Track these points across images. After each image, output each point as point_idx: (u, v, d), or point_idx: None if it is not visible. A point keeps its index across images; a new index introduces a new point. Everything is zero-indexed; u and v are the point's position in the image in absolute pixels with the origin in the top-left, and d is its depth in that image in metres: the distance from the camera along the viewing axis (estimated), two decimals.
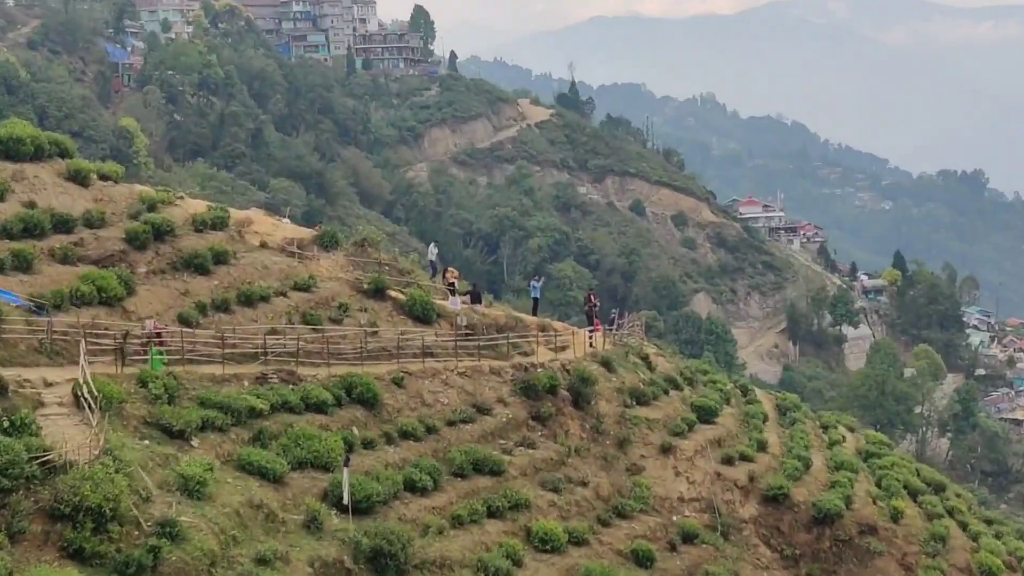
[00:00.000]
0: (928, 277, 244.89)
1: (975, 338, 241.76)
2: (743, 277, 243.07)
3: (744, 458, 54.55)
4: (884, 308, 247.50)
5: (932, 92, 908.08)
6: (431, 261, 64.59)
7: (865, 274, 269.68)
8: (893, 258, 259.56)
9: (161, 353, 38.99)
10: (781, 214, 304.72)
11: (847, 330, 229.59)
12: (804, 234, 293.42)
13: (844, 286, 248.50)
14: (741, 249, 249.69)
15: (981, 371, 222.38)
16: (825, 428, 66.65)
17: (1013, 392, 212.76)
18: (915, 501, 56.82)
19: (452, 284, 56.92)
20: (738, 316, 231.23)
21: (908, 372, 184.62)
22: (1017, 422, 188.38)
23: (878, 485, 56.98)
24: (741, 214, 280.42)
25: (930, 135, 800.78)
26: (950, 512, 58.09)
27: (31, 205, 46.41)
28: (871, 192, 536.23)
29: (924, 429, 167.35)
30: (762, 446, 56.83)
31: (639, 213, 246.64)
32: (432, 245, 70.22)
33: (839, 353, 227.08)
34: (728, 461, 53.67)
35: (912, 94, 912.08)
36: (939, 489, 61.92)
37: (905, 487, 57.74)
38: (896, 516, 53.35)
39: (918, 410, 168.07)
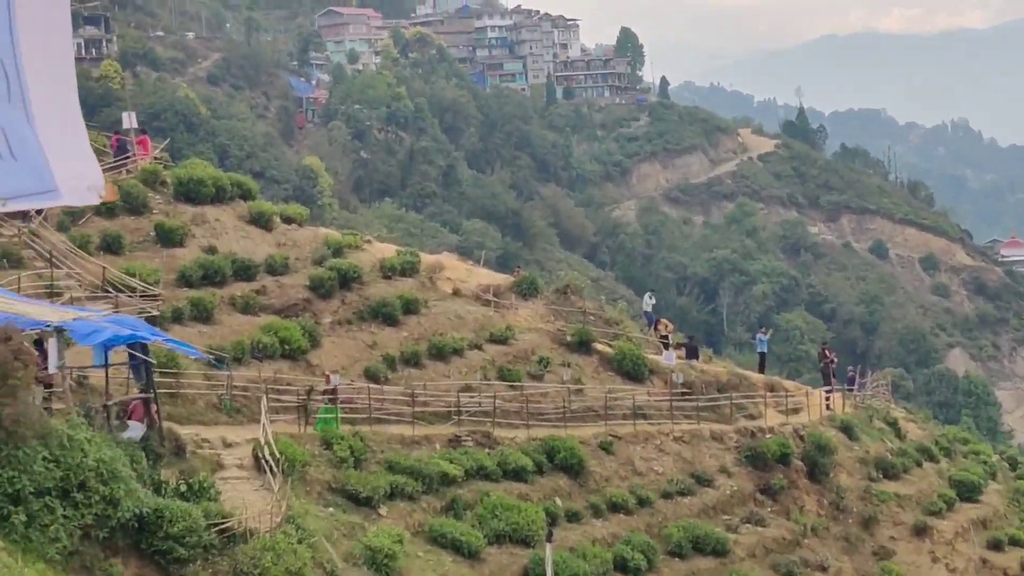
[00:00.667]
0: None
1: None
2: (1007, 330, 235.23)
3: (1015, 543, 52.39)
4: None
5: None
6: (646, 312, 64.09)
7: None
8: None
9: (333, 411, 39.53)
10: None
11: None
12: None
13: None
14: (1004, 297, 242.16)
15: None
16: None
17: None
18: None
19: (666, 337, 56.54)
20: (1002, 375, 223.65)
21: None
22: None
23: None
24: (1003, 256, 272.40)
25: None
26: None
27: (211, 250, 47.81)
28: None
29: None
30: None
31: (881, 255, 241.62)
32: (648, 295, 69.73)
33: None
34: (996, 546, 51.82)
35: None
36: None
37: None
38: None
39: None
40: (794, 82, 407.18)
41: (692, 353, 56.49)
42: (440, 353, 47.87)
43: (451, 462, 38.97)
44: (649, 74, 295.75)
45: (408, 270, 53.13)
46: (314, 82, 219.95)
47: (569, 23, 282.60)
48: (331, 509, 33.95)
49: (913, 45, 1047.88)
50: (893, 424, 59.72)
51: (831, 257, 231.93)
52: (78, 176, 3.67)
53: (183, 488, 28.68)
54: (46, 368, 28.84)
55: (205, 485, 29.45)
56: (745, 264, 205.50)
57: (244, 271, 47.45)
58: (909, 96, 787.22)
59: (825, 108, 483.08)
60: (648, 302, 65.72)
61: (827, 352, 62.94)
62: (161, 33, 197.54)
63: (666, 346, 55.37)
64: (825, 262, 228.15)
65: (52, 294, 39.65)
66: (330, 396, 40.05)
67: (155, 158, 55.22)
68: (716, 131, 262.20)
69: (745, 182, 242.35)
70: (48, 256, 43.57)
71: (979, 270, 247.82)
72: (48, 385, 28.71)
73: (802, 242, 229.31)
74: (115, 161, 52.49)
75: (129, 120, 54.38)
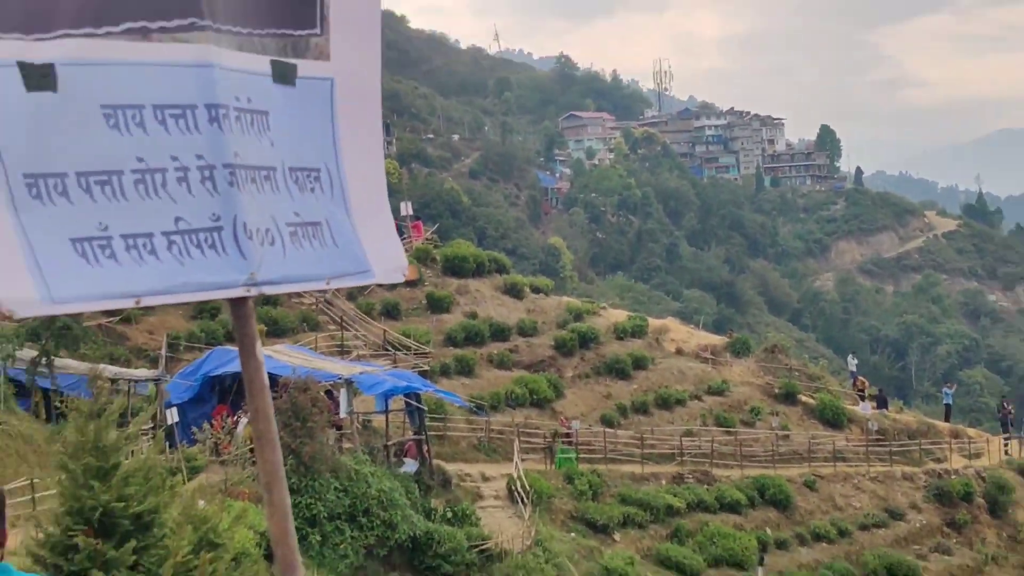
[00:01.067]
0: None
1: None
2: None
3: None
4: None
5: None
6: (852, 372, 62.34)
7: None
8: None
9: (570, 452, 39.43)
10: None
11: None
12: None
13: None
14: None
15: None
16: None
17: None
18: None
19: (862, 391, 55.19)
20: None
21: None
22: None
23: None
24: None
25: None
26: None
27: (472, 315, 48.45)
28: None
29: None
30: None
31: None
32: (851, 356, 67.96)
33: None
34: None
35: None
36: None
37: None
38: None
39: None
40: (974, 170, 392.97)
41: (882, 403, 55.07)
42: (665, 403, 47.54)
43: (675, 496, 38.64)
44: (846, 165, 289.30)
45: (637, 332, 52.96)
46: (558, 175, 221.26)
47: (775, 121, 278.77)
48: (572, 534, 33.90)
49: None
50: None
51: (1008, 322, 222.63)
52: (387, 259, 3.60)
53: (449, 515, 28.92)
54: (338, 413, 29.46)
55: (467, 512, 29.66)
56: (931, 327, 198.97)
57: (499, 333, 47.91)
58: None
59: (1001, 193, 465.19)
60: (852, 362, 63.96)
61: (1005, 404, 60.56)
62: (431, 136, 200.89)
63: (862, 398, 53.98)
64: (1003, 326, 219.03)
65: (342, 352, 40.55)
66: (566, 439, 40.16)
67: (426, 239, 56.29)
68: (905, 213, 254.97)
69: (931, 256, 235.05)
70: (339, 320, 44.68)
71: None
72: (339, 428, 29.23)
73: (981, 308, 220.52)
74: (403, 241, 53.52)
75: (406, 208, 55.66)
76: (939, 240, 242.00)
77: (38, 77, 3.24)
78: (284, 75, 4.00)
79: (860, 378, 58.54)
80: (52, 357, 29.31)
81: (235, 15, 3.74)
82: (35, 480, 22.91)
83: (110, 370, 31.87)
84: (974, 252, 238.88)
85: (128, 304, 3.59)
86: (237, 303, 3.91)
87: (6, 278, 3.12)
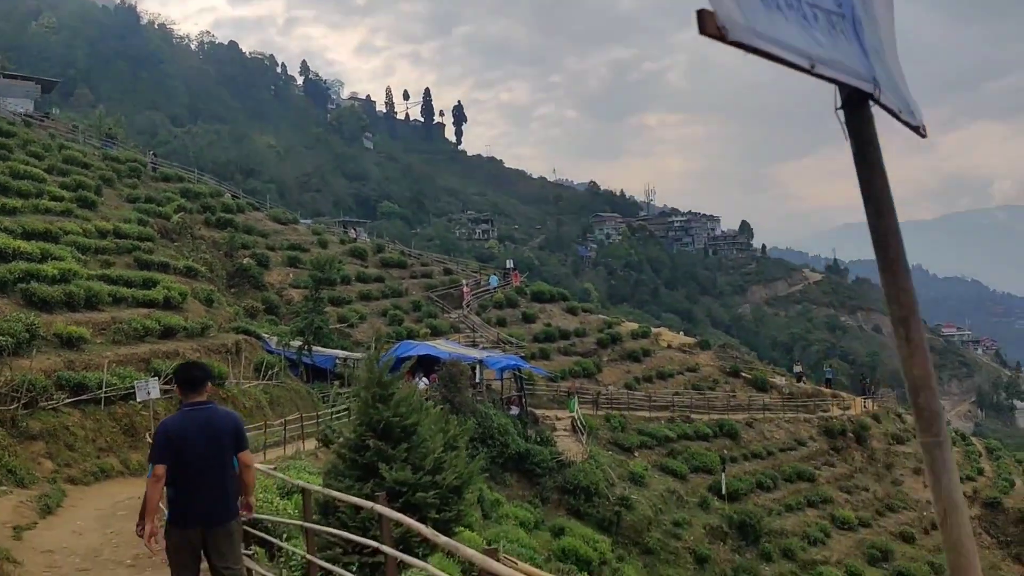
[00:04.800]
0: None
1: None
2: (948, 369, 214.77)
3: (969, 479, 46.19)
4: None
5: None
6: (797, 372, 56.51)
7: None
8: None
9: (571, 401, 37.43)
10: (969, 332, 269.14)
11: (1016, 402, 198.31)
12: (985, 345, 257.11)
13: (1012, 375, 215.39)
14: (945, 354, 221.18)
15: None
16: (1019, 462, 56.18)
17: None
18: None
19: (800, 373, 52.60)
20: (943, 393, 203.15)
21: None
22: None
23: None
24: (943, 333, 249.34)
25: None
26: None
27: (548, 324, 47.11)
28: None
29: None
30: (980, 471, 48.40)
31: (878, 332, 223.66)
32: (796, 364, 63.13)
33: (1011, 416, 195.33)
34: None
35: None
36: None
37: None
38: None
39: None
40: (831, 245, 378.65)
41: (799, 378, 52.52)
42: (662, 376, 45.82)
43: (670, 430, 36.87)
44: (756, 242, 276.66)
45: (644, 335, 51.32)
46: (589, 249, 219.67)
47: (715, 218, 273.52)
48: (611, 452, 32.45)
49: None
50: (899, 415, 53.04)
51: (852, 333, 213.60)
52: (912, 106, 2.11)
53: (538, 439, 27.79)
54: (475, 379, 28.45)
55: (548, 438, 28.49)
56: (806, 336, 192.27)
57: (564, 335, 46.59)
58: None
59: (846, 258, 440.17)
60: (796, 368, 58.79)
61: (864, 378, 58.16)
62: (516, 226, 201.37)
63: (791, 373, 51.59)
64: (849, 335, 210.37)
65: (474, 345, 39.51)
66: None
67: (521, 282, 55.36)
68: (791, 270, 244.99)
69: (806, 295, 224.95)
70: (472, 328, 43.62)
71: (930, 340, 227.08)
72: (475, 387, 28.20)
73: (836, 325, 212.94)
74: (504, 284, 53.03)
75: (511, 263, 55.48)
76: (811, 286, 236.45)
77: None
78: None
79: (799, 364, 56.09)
80: (311, 345, 28.68)
81: None
82: (303, 414, 22.13)
83: (341, 354, 31.13)
84: (832, 293, 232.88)
85: (803, 63, 2.06)
86: (856, 106, 2.05)
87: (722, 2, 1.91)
